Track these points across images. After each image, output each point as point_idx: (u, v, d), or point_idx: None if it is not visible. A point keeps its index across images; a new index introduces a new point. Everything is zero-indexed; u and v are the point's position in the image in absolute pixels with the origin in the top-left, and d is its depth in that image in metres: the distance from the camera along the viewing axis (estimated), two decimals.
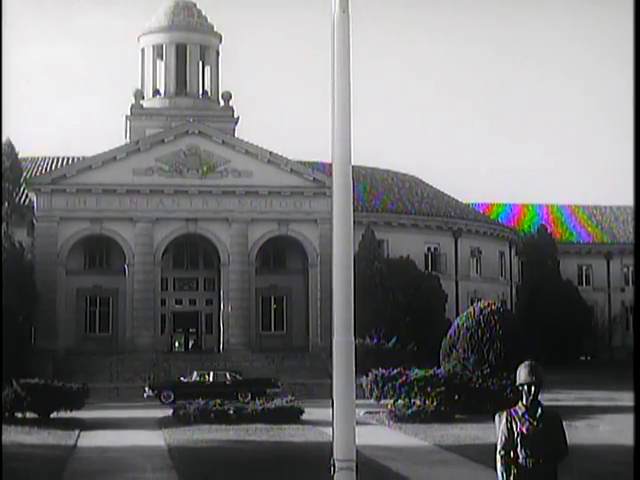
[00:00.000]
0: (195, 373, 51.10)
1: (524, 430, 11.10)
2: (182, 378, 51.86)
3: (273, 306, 69.21)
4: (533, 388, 11.22)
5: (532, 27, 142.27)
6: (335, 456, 19.22)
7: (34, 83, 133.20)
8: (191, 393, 47.77)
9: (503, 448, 11.20)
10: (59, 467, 25.54)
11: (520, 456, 11.13)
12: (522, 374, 11.32)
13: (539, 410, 11.25)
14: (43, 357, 57.88)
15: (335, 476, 18.94)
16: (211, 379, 50.03)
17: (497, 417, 11.45)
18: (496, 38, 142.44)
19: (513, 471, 11.08)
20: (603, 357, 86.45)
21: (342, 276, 20.24)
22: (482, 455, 27.15)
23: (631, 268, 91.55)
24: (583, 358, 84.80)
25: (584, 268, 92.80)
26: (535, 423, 11.14)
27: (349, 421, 19.39)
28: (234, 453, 28.64)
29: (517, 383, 11.37)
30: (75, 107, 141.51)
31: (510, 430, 11.17)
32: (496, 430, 11.36)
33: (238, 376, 51.20)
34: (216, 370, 53.01)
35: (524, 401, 11.28)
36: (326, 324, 61.24)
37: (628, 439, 30.07)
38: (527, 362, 11.41)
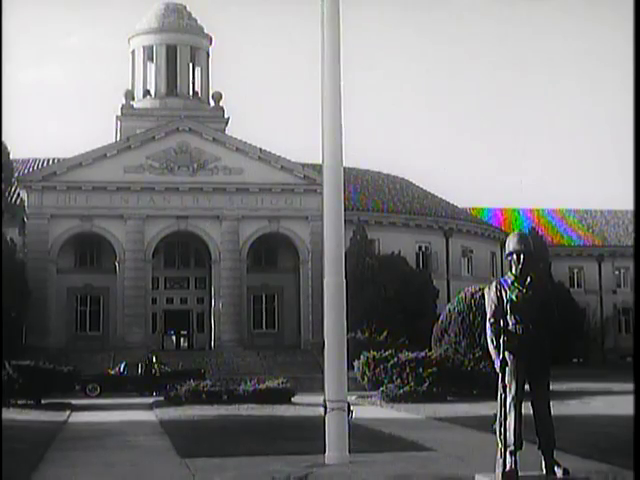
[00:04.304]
0: (122, 364, 50.41)
1: (514, 297, 11.13)
2: (110, 370, 51.39)
3: (264, 304, 69.15)
4: (522, 256, 11.24)
5: (528, 27, 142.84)
6: (327, 397, 19.29)
7: (24, 101, 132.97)
8: (119, 385, 47.33)
9: (493, 316, 11.23)
10: (52, 434, 25.52)
11: (510, 323, 11.16)
12: (511, 243, 11.35)
13: (528, 278, 11.28)
14: (34, 354, 57.56)
15: (327, 417, 19.01)
16: (139, 371, 49.41)
17: (487, 289, 11.48)
18: (490, 38, 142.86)
19: (503, 338, 11.11)
20: (595, 359, 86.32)
21: (333, 225, 20.28)
22: (473, 421, 27.21)
23: (622, 271, 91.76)
24: (575, 360, 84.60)
25: (575, 270, 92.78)
26: (524, 291, 11.16)
27: (340, 362, 19.46)
28: (226, 423, 28.59)
29: (506, 252, 11.40)
30: (64, 125, 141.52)
31: (500, 298, 11.21)
32: (486, 300, 11.38)
33: (166, 368, 50.72)
34: (143, 361, 51.76)
35: (513, 270, 11.32)
36: (318, 321, 61.07)
37: (620, 410, 30.16)
38: (516, 232, 11.45)
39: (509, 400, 11.14)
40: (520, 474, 11.12)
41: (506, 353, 11.10)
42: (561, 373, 60.17)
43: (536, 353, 11.18)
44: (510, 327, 11.13)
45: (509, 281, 11.33)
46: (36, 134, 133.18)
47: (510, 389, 11.14)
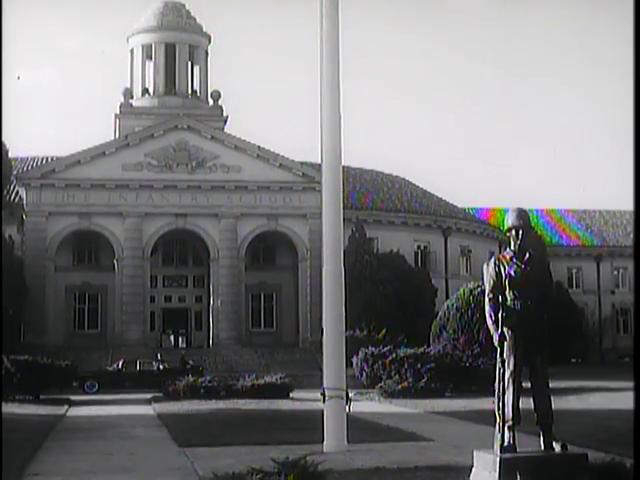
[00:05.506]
0: (121, 361, 49.99)
1: (512, 273, 11.14)
2: (108, 367, 51.21)
3: (262, 303, 69.04)
4: (521, 232, 11.26)
5: (525, 28, 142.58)
6: (325, 385, 19.33)
7: (22, 100, 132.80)
8: (117, 382, 46.97)
9: (491, 291, 11.23)
10: (50, 426, 25.58)
11: (508, 298, 11.17)
12: (510, 219, 11.38)
13: (527, 254, 11.29)
14: (32, 352, 57.41)
15: (325, 404, 19.05)
16: (137, 367, 49.11)
17: (484, 265, 11.50)
18: (489, 40, 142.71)
19: (502, 313, 11.11)
20: (594, 359, 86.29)
21: (332, 224, 20.26)
22: (472, 415, 27.25)
23: (621, 271, 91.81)
24: (574, 360, 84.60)
25: (574, 271, 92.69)
26: (523, 266, 11.17)
27: (338, 351, 19.50)
28: (223, 416, 28.61)
29: (505, 228, 11.42)
30: (63, 124, 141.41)
31: (498, 274, 11.22)
32: (485, 275, 11.38)
33: (165, 364, 50.49)
34: (141, 358, 51.58)
35: (512, 246, 11.33)
36: (316, 319, 60.92)
37: (618, 405, 30.21)
38: (515, 207, 11.46)
39: (507, 375, 11.17)
40: (518, 449, 11.13)
41: (504, 328, 11.13)
42: (560, 371, 60.31)
43: (534, 328, 11.21)
44: (509, 302, 11.16)
45: (508, 257, 11.35)
46: (35, 133, 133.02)
47: (508, 364, 11.18)
